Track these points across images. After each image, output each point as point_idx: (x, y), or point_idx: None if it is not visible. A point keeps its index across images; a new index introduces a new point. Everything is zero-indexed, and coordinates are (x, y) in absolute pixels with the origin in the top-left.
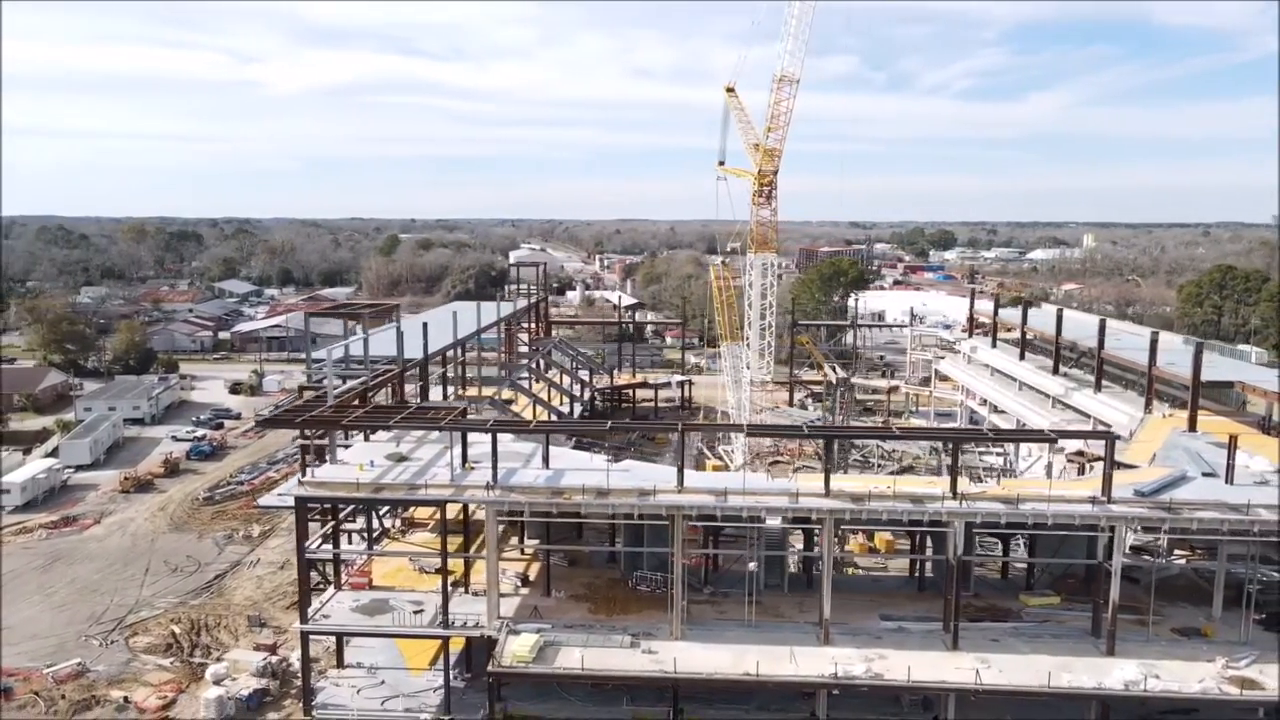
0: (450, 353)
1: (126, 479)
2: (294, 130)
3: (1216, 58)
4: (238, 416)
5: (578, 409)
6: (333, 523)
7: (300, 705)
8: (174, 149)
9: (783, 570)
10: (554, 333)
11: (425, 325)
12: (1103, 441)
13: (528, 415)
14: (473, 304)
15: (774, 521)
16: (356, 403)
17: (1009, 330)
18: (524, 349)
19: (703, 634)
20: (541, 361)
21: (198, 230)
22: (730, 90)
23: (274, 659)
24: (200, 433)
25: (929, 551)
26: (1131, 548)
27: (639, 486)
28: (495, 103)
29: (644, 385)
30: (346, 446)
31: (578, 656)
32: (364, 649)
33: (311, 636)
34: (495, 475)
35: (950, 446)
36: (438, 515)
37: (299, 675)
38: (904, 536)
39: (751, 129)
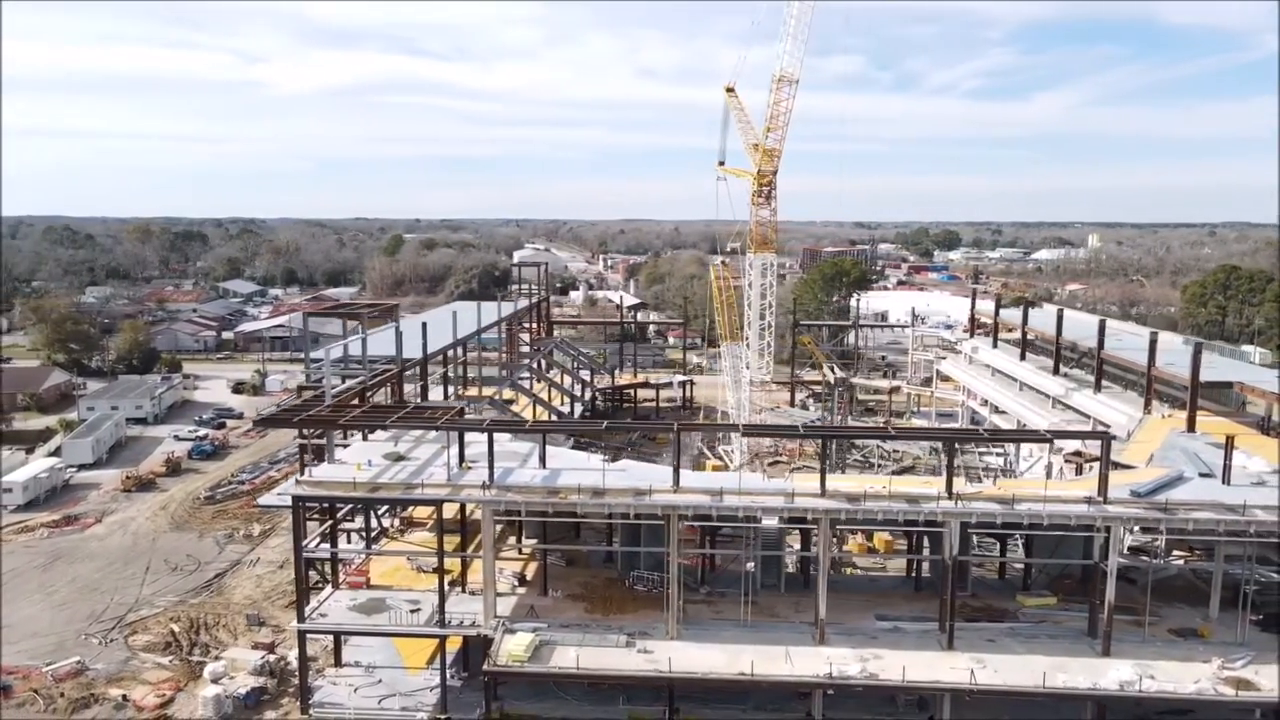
0: (451, 353)
1: (128, 478)
2: (299, 130)
3: (1223, 57)
4: (240, 416)
5: (578, 409)
6: (330, 522)
7: (298, 704)
8: (180, 149)
9: (779, 570)
10: (556, 333)
11: (425, 325)
12: (1099, 442)
13: (528, 415)
14: (473, 304)
15: (770, 521)
16: (356, 402)
17: (1010, 331)
18: (525, 349)
19: (698, 633)
20: (542, 361)
21: (203, 230)
22: (730, 90)
23: (272, 657)
24: (202, 432)
25: (926, 552)
26: (1130, 548)
27: (635, 486)
28: (500, 103)
29: (645, 385)
30: (345, 446)
31: (573, 656)
32: (362, 648)
33: (309, 635)
34: (492, 475)
35: (949, 447)
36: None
37: (296, 674)
38: (902, 537)
39: (751, 129)
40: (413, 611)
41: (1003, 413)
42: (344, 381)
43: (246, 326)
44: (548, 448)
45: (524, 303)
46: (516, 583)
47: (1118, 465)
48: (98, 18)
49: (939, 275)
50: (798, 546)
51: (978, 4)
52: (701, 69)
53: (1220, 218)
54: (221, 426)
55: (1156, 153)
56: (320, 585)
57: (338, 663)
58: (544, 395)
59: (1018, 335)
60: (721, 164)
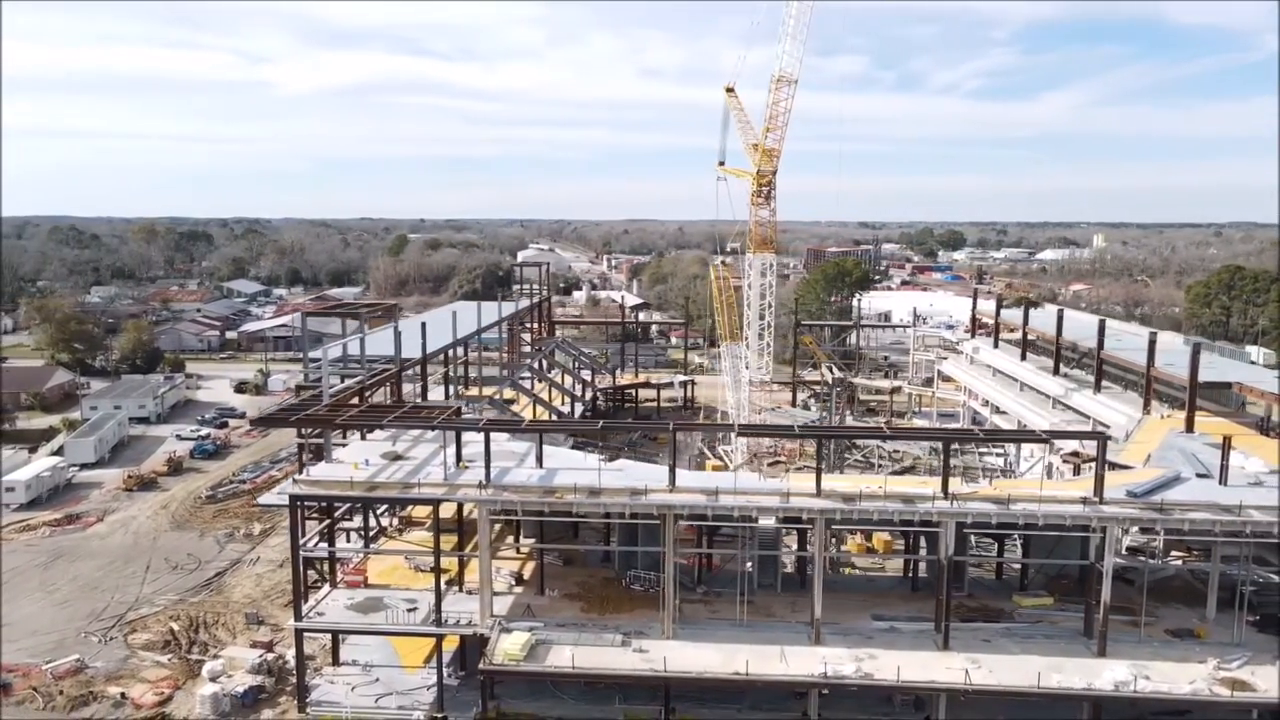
0: (452, 352)
1: (130, 477)
2: (304, 130)
3: (1229, 57)
4: (242, 416)
5: (579, 409)
6: (328, 521)
7: (295, 702)
8: (185, 149)
9: (776, 570)
10: (558, 333)
11: (424, 325)
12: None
13: (528, 415)
14: (474, 304)
15: (767, 521)
16: (354, 402)
17: (1012, 331)
18: (527, 349)
19: (694, 633)
20: (543, 361)
21: (208, 230)
22: (730, 90)
23: (270, 656)
24: (204, 431)
25: (923, 552)
26: (1128, 549)
27: (631, 486)
28: (504, 103)
29: (646, 385)
30: (343, 445)
31: (568, 655)
32: (359, 646)
33: (307, 634)
34: (488, 474)
35: (944, 446)
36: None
37: (294, 672)
38: (900, 537)
39: (751, 129)
40: (410, 611)
41: (1003, 413)
42: (343, 381)
43: (250, 326)
44: (545, 448)
45: (525, 303)
46: (514, 582)
47: (1114, 465)
48: (101, 18)
49: (943, 275)
50: (795, 546)
51: (981, 4)
52: (705, 69)
53: (1227, 218)
54: (223, 426)
55: (1162, 152)
56: (318, 584)
57: (335, 661)
58: (544, 395)
59: (1019, 336)
60: (721, 164)
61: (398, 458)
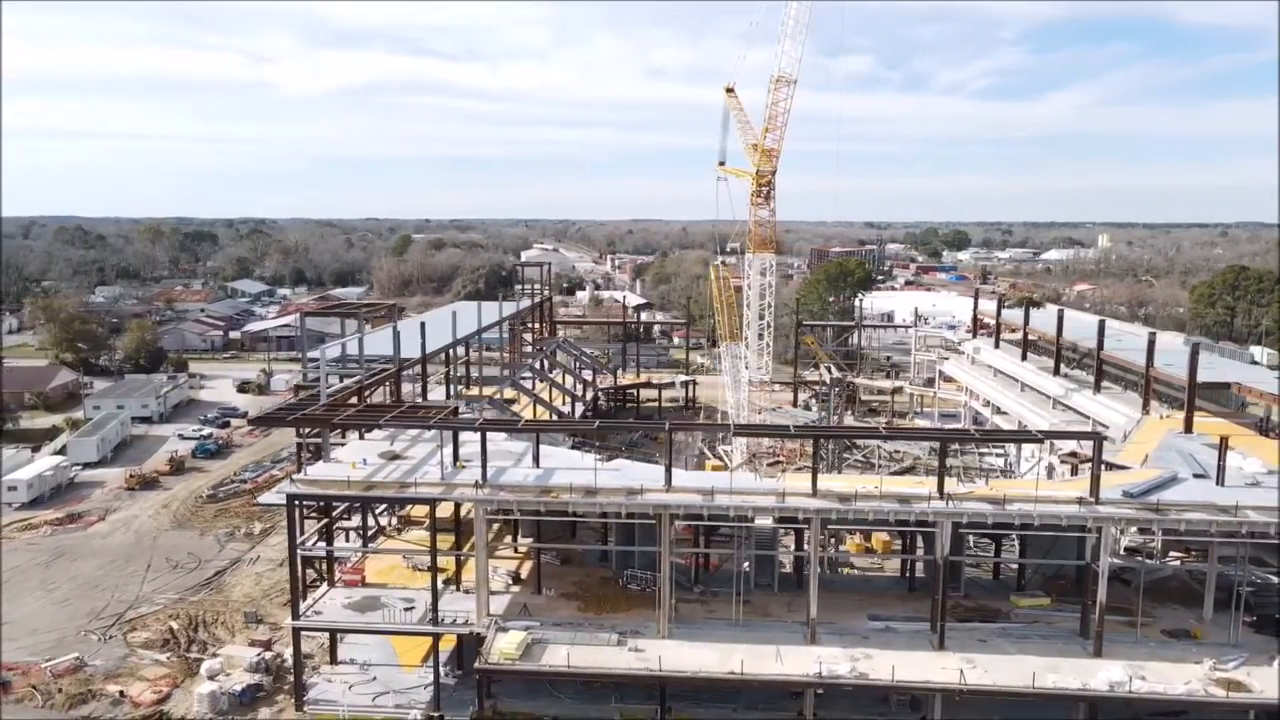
0: (452, 352)
1: (132, 477)
2: (309, 131)
3: (1237, 56)
4: (244, 415)
5: (579, 409)
6: (326, 520)
7: (293, 701)
8: (191, 150)
9: (773, 570)
10: (560, 333)
11: (423, 325)
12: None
13: (529, 415)
14: (475, 304)
15: (764, 521)
16: (352, 401)
17: (1013, 331)
18: (528, 349)
19: (690, 632)
20: (545, 361)
21: (213, 230)
22: (730, 91)
23: (268, 655)
24: (206, 431)
25: (920, 552)
26: (1126, 549)
27: (627, 486)
28: (509, 103)
29: (648, 385)
30: (342, 445)
31: (564, 654)
32: (357, 645)
33: (305, 633)
34: (485, 474)
35: (940, 447)
36: None
37: (292, 671)
38: (898, 537)
39: (750, 129)
40: (407, 610)
41: (1004, 413)
42: (342, 381)
43: (253, 326)
44: (544, 447)
45: (527, 302)
46: (511, 581)
47: (1112, 466)
48: (106, 19)
49: (947, 276)
50: (793, 546)
51: (988, 4)
52: (711, 69)
53: (1233, 218)
54: (225, 425)
55: (1169, 152)
56: (316, 583)
57: (333, 660)
58: (545, 395)
59: (1020, 336)
60: (722, 164)
61: (395, 457)
